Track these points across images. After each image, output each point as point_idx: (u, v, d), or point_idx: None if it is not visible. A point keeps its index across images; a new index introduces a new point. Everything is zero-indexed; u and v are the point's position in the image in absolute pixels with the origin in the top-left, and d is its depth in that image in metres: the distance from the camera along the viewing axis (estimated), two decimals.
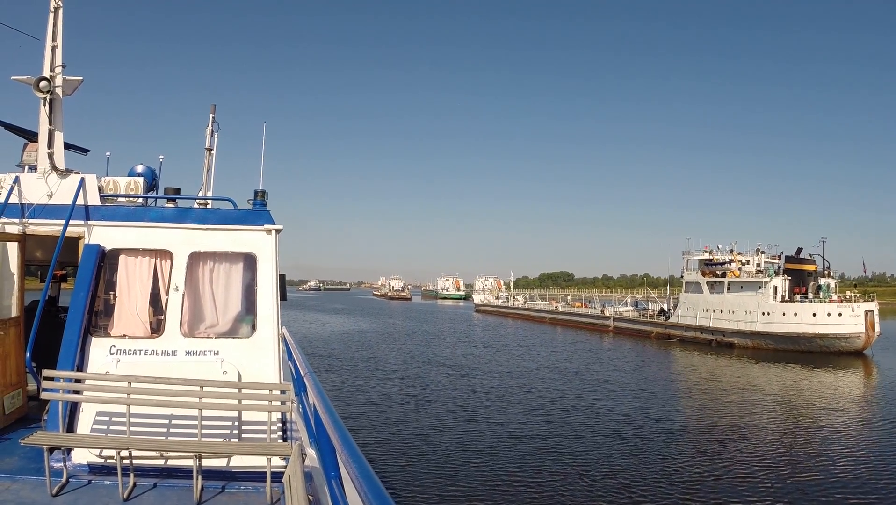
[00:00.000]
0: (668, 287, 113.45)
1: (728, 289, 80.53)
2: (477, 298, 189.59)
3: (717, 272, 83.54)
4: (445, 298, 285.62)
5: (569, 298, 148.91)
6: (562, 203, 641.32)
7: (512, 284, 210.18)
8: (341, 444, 4.32)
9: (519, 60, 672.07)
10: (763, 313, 75.45)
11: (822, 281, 77.51)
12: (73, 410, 9.66)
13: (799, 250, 79.02)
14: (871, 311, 71.87)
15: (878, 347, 72.50)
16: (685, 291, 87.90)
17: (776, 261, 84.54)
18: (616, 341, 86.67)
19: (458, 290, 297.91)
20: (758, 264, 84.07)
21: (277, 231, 11.04)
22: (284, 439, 10.06)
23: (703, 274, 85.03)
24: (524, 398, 39.38)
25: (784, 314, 73.77)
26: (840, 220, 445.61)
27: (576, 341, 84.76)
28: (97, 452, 8.89)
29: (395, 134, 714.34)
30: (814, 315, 71.97)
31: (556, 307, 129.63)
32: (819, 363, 63.61)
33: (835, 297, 75.13)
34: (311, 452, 7.83)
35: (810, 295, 75.46)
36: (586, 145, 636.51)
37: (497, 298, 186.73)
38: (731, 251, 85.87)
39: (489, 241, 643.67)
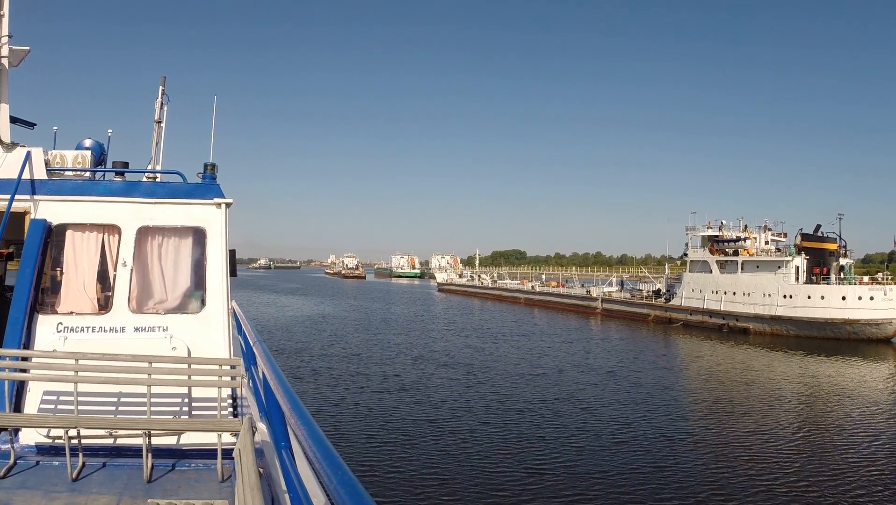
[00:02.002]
0: (665, 266, 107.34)
1: (742, 268, 74.36)
2: (440, 277, 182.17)
3: (728, 250, 77.33)
4: (400, 277, 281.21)
5: (543, 276, 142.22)
6: (513, 181, 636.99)
7: (477, 262, 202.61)
8: (293, 412, 4.31)
9: (475, 37, 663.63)
10: (784, 296, 69.47)
11: (844, 261, 72.03)
12: (19, 389, 9.57)
13: (818, 227, 73.10)
14: None
15: None
16: (689, 271, 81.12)
17: (782, 238, 79.09)
18: (606, 325, 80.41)
19: (414, 268, 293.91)
20: (766, 242, 78.42)
21: (227, 205, 10.94)
22: (235, 415, 10.02)
23: (712, 252, 78.61)
24: (514, 394, 35.94)
25: (809, 297, 67.88)
26: (831, 203, 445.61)
27: (562, 325, 78.61)
28: (45, 432, 8.93)
29: (346, 112, 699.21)
30: (843, 299, 66.20)
31: (533, 287, 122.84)
32: (848, 352, 58.35)
33: (866, 279, 69.73)
34: (262, 427, 7.77)
35: (832, 276, 69.76)
36: (540, 124, 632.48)
37: (461, 276, 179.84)
38: (745, 227, 79.88)
39: (442, 219, 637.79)
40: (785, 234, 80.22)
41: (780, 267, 70.85)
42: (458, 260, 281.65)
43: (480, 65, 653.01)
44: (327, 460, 3.15)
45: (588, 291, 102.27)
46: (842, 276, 69.98)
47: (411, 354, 48.74)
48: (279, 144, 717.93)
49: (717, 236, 80.00)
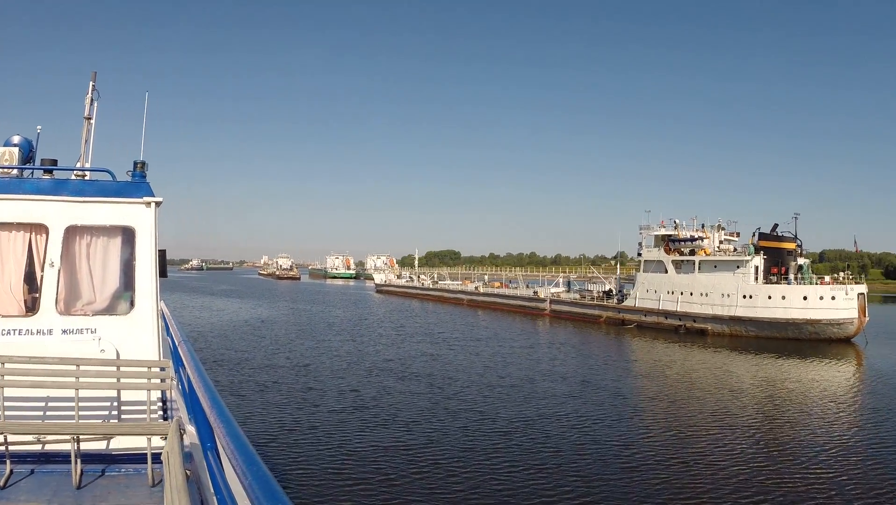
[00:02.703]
0: (617, 266, 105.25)
1: (699, 268, 72.39)
2: (378, 278, 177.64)
3: (684, 250, 75.33)
4: (335, 278, 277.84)
5: (486, 277, 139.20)
6: (447, 182, 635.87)
7: (417, 262, 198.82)
8: (217, 417, 4.30)
9: (405, 38, 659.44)
10: (744, 296, 67.65)
11: (801, 261, 70.62)
12: None
13: (775, 226, 71.56)
14: (863, 294, 65.29)
15: (866, 334, 65.73)
16: (643, 271, 78.94)
17: (735, 238, 77.69)
18: (556, 327, 77.65)
19: (349, 268, 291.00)
20: (720, 242, 76.79)
21: (157, 204, 10.71)
22: (165, 418, 9.95)
23: (667, 251, 76.52)
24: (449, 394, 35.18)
25: (770, 297, 66.14)
26: (781, 202, 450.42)
27: (515, 328, 75.68)
28: None
29: (278, 112, 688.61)
30: (804, 298, 64.64)
31: (477, 287, 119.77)
32: (810, 352, 57.13)
33: (827, 278, 68.35)
34: (191, 429, 7.44)
35: (791, 276, 68.19)
36: (471, 126, 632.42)
37: (399, 277, 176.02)
38: (702, 227, 78.05)
39: (376, 220, 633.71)
40: (738, 234, 78.89)
41: (738, 267, 69.05)
42: (395, 261, 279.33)
43: (414, 65, 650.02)
44: (244, 457, 3.27)
45: (535, 292, 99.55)
46: (800, 275, 68.53)
47: (364, 364, 44.87)
48: (211, 143, 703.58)
49: (671, 235, 78.00)
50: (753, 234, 72.95)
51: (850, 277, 69.29)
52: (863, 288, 65.80)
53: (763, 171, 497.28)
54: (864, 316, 65.04)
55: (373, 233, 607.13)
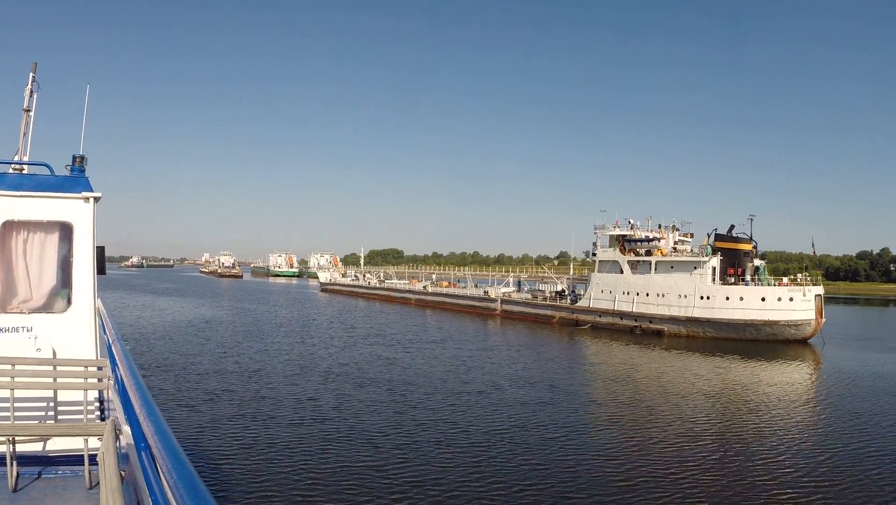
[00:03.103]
0: (571, 266, 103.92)
1: (655, 269, 71.49)
2: (322, 276, 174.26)
3: (640, 250, 74.35)
4: (278, 276, 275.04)
5: (434, 276, 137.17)
6: (390, 180, 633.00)
7: (362, 261, 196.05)
8: (146, 416, 4.34)
9: (355, 36, 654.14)
10: (702, 297, 66.91)
11: (758, 262, 70.17)
12: None
13: (731, 228, 70.97)
14: (820, 295, 65.06)
15: (823, 335, 65.76)
16: (598, 271, 77.81)
17: (689, 239, 77.15)
18: (508, 328, 76.13)
19: (292, 266, 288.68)
20: (674, 242, 76.09)
21: (96, 199, 10.50)
22: (103, 418, 9.70)
23: (623, 252, 75.47)
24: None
25: (728, 298, 65.47)
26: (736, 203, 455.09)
27: (469, 329, 73.82)
28: None
29: (221, 104, 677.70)
30: (763, 300, 64.11)
31: (425, 287, 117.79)
32: (768, 354, 56.77)
33: (785, 279, 68.02)
34: (128, 430, 6.92)
35: (748, 277, 67.69)
36: (413, 124, 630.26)
37: (344, 275, 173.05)
38: (659, 227, 77.19)
39: (319, 218, 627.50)
40: (692, 235, 78.33)
41: (696, 268, 68.30)
42: (338, 259, 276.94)
43: (356, 65, 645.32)
44: (170, 457, 3.30)
45: (486, 292, 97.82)
46: (757, 277, 68.06)
47: (318, 369, 42.41)
48: (152, 139, 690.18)
49: (627, 236, 76.97)
50: (708, 235, 72.50)
51: (809, 278, 69.12)
52: (820, 289, 65.61)
53: (708, 174, 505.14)
54: (821, 317, 64.90)
55: (315, 231, 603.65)
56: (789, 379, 46.52)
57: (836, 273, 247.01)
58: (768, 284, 66.42)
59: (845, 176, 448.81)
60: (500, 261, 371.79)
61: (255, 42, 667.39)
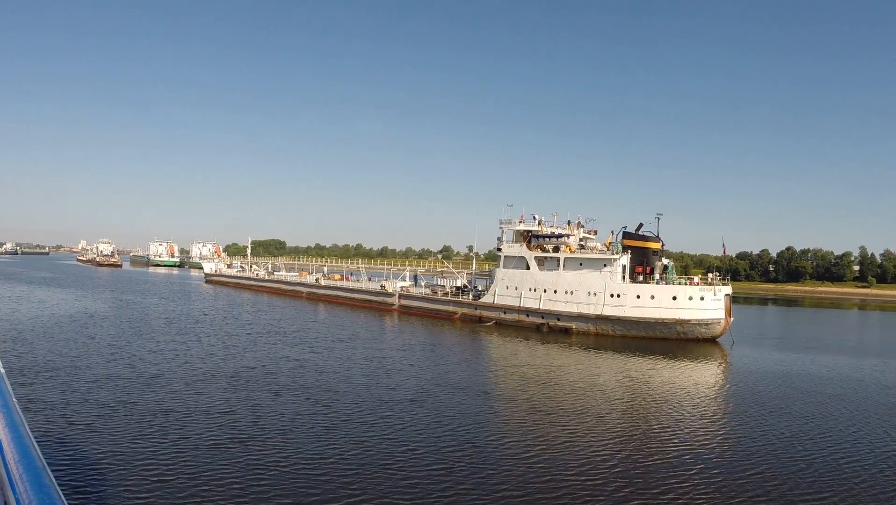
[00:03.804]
0: (474, 261, 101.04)
1: (563, 266, 69.41)
2: (207, 267, 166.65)
3: (548, 246, 72.17)
4: (159, 265, 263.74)
5: (325, 269, 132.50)
6: (273, 170, 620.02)
7: (249, 251, 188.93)
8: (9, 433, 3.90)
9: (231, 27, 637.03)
10: (612, 295, 65.21)
11: (665, 261, 69.08)
12: None
13: (640, 226, 69.54)
14: (729, 294, 64.42)
15: (732, 334, 65.70)
16: (503, 267, 75.25)
17: (593, 236, 75.57)
18: (408, 324, 72.83)
19: (173, 256, 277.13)
20: (580, 239, 74.31)
21: None
22: None
23: (530, 248, 73.16)
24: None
25: (639, 297, 63.98)
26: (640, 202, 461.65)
27: (364, 326, 69.90)
28: None
29: (99, 82, 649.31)
30: (674, 299, 62.88)
31: (318, 280, 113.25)
32: (678, 352, 56.21)
33: (696, 278, 67.07)
34: None
35: (657, 276, 66.43)
36: (294, 112, 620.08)
37: (230, 266, 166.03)
38: (569, 223, 75.21)
39: (200, 206, 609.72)
40: (595, 232, 76.83)
41: (605, 265, 66.59)
42: (220, 249, 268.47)
43: (246, 55, 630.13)
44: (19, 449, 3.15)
45: (383, 287, 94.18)
46: (665, 275, 66.89)
47: (224, 374, 37.82)
48: (26, 117, 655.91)
49: (533, 231, 74.66)
50: (612, 232, 71.19)
51: (719, 278, 68.49)
52: (728, 289, 65.00)
53: (608, 171, 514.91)
54: (730, 316, 64.27)
55: (196, 220, 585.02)
56: (700, 377, 45.81)
57: (717, 272, 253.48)
58: (676, 283, 65.27)
59: (743, 176, 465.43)
60: (384, 254, 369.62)
61: (131, 30, 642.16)
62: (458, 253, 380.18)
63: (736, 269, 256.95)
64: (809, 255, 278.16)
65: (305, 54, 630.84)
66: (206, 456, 22.80)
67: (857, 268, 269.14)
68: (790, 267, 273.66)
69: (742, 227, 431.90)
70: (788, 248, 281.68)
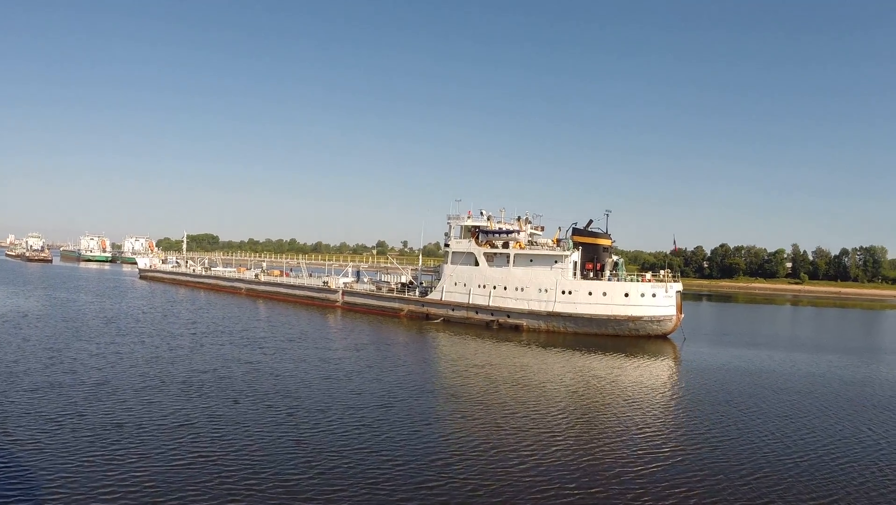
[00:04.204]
0: (420, 256, 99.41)
1: (513, 262, 68.32)
2: (142, 262, 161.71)
3: (497, 242, 70.97)
4: (90, 260, 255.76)
5: (265, 264, 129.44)
6: (208, 164, 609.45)
7: (185, 246, 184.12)
8: None
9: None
10: (563, 292, 64.35)
11: (615, 258, 68.58)
12: None
13: (590, 222, 68.77)
14: (680, 291, 64.09)
15: (683, 330, 65.79)
16: (451, 263, 73.80)
17: (539, 232, 74.75)
18: (352, 321, 71.07)
19: (105, 251, 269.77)
20: (529, 235, 73.40)
21: None
22: None
23: (479, 243, 71.88)
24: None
25: (591, 293, 63.24)
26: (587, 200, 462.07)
27: (311, 324, 68.03)
28: None
29: (25, 78, 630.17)
30: (626, 295, 62.31)
31: (257, 276, 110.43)
32: (630, 349, 55.95)
33: (648, 275, 66.58)
34: None
35: (607, 272, 65.81)
36: (227, 103, 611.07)
37: (164, 262, 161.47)
38: (519, 219, 74.13)
39: (131, 200, 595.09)
40: (542, 228, 75.98)
41: (557, 262, 65.67)
42: (153, 243, 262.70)
43: (184, 49, 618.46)
44: None
45: (326, 283, 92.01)
46: (615, 272, 66.31)
47: (175, 380, 35.16)
48: None
49: (482, 227, 73.38)
50: (560, 228, 70.52)
51: (671, 274, 68.20)
52: (679, 286, 64.70)
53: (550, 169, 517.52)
54: (681, 313, 64.01)
55: (129, 214, 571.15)
56: (655, 374, 45.71)
57: (651, 268, 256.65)
58: (626, 280, 64.78)
59: (678, 175, 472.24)
60: (318, 249, 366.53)
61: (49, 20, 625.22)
62: (392, 248, 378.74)
63: (671, 265, 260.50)
64: (743, 252, 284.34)
65: (220, 51, 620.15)
66: (171, 478, 20.59)
67: (789, 265, 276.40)
68: (724, 263, 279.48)
69: (677, 225, 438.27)
70: (722, 245, 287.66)
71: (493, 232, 72.26)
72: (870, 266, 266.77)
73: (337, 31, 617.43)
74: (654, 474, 23.07)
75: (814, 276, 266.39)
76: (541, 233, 75.21)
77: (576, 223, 68.37)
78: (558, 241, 69.43)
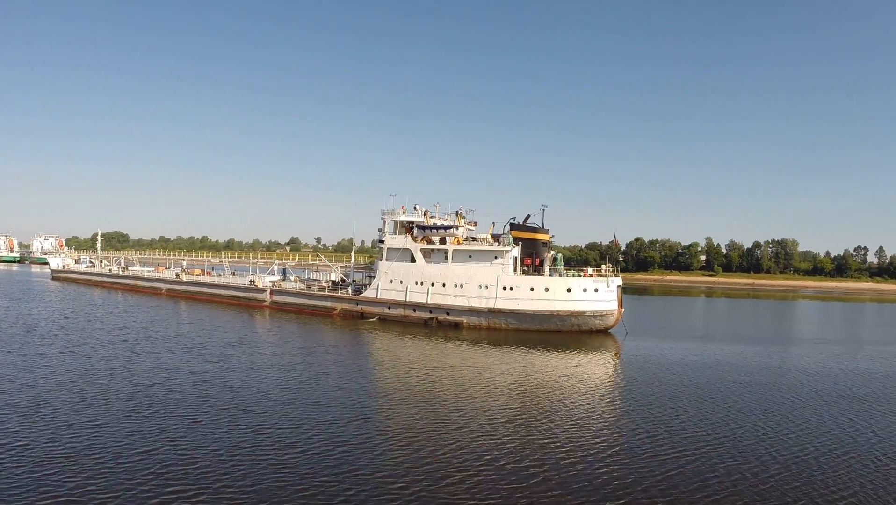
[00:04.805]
0: (353, 253, 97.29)
1: (452, 258, 67.21)
2: (54, 263, 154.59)
3: (434, 238, 69.72)
4: None
5: (185, 263, 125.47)
6: (118, 162, 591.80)
7: (99, 245, 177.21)
8: None
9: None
10: (504, 288, 63.58)
11: (554, 252, 68.18)
12: None
13: (528, 217, 68.38)
14: (621, 286, 64.11)
15: (625, 325, 66.38)
16: (386, 259, 72.18)
17: (473, 227, 73.89)
18: (282, 322, 68.98)
19: (13, 251, 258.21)
20: (468, 230, 72.48)
21: None
22: None
23: (415, 239, 70.56)
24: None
25: (532, 289, 62.64)
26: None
27: (246, 326, 65.71)
28: None
29: None
30: (568, 291, 61.92)
31: (178, 275, 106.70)
32: (572, 344, 55.67)
33: (590, 270, 66.33)
34: None
35: (546, 268, 65.34)
36: (138, 102, 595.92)
37: (77, 261, 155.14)
38: (457, 214, 73.04)
39: (36, 197, 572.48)
40: (476, 223, 75.13)
41: (497, 257, 64.83)
42: (63, 242, 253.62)
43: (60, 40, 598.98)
44: None
45: (252, 282, 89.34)
46: (554, 267, 65.89)
47: (117, 395, 32.25)
48: None
49: (417, 222, 72.09)
50: (493, 224, 70.06)
51: (613, 269, 68.10)
52: (620, 280, 64.75)
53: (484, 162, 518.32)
54: (622, 307, 64.01)
55: (36, 212, 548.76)
56: (596, 369, 45.91)
57: (567, 262, 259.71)
58: (565, 275, 64.48)
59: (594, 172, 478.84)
60: (231, 246, 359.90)
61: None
62: (306, 245, 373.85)
63: (586, 259, 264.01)
64: (658, 245, 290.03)
65: (107, 48, 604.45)
66: None
67: (703, 258, 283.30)
68: (639, 257, 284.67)
69: (590, 218, 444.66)
70: (637, 239, 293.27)
71: (430, 227, 71.07)
72: (781, 258, 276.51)
73: (243, 27, 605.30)
74: (598, 470, 23.29)
75: (727, 268, 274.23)
76: (474, 228, 74.30)
77: (514, 218, 67.77)
78: (494, 236, 68.67)
